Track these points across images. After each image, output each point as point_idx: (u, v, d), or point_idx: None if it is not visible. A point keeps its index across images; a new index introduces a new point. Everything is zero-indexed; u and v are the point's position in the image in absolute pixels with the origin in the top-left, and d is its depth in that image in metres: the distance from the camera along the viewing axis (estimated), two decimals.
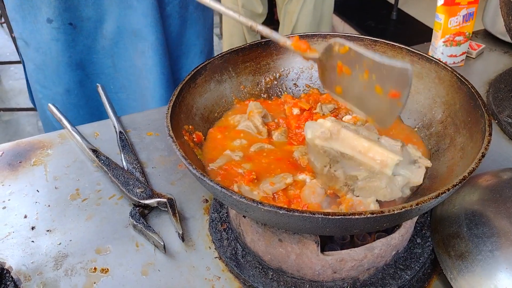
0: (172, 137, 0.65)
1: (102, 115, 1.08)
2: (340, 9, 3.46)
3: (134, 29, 1.17)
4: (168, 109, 0.71)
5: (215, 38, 3.72)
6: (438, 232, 0.74)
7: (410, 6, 3.57)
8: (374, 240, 0.69)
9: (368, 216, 0.52)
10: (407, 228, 0.70)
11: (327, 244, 0.71)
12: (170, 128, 0.67)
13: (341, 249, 0.71)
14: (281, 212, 0.53)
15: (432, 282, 0.72)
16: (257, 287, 0.70)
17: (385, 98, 0.61)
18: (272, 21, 3.33)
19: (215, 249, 0.77)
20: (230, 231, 0.78)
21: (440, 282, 0.72)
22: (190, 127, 0.77)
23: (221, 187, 0.57)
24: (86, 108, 1.27)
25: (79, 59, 1.19)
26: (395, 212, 0.53)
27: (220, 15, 3.52)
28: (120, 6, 1.14)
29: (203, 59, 1.37)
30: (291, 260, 0.68)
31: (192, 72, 0.79)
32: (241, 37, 2.82)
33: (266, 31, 0.71)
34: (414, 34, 3.20)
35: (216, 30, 3.79)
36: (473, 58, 1.26)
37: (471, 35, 1.19)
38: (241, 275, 0.72)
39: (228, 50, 0.85)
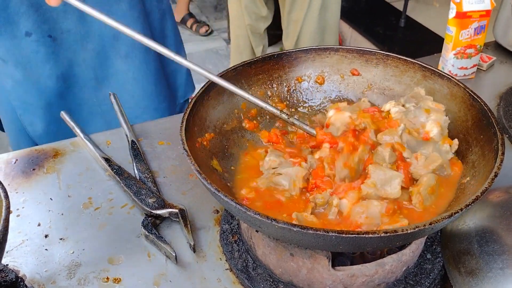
0: (186, 151, 0.66)
1: (86, 129, 1.06)
2: (348, 16, 3.46)
3: (114, 32, 1.15)
4: (183, 122, 0.72)
5: (223, 43, 3.73)
6: (448, 248, 0.74)
7: (419, 13, 3.57)
8: (384, 255, 0.70)
9: (382, 235, 0.53)
10: (418, 244, 0.71)
11: (337, 257, 0.72)
12: (185, 141, 0.67)
13: (351, 262, 0.72)
14: (295, 229, 0.54)
15: None
16: None
17: None
18: (279, 25, 3.33)
19: (226, 260, 0.78)
20: (241, 243, 0.79)
21: None
22: (204, 139, 0.77)
23: (236, 202, 0.58)
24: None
25: (60, 72, 1.17)
26: (409, 231, 0.53)
27: (228, 20, 3.54)
28: (101, 9, 1.14)
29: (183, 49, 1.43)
30: (302, 275, 0.69)
31: (206, 85, 0.80)
32: (246, 39, 2.83)
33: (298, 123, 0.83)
34: (422, 42, 3.20)
35: (224, 35, 3.81)
36: (484, 70, 1.26)
37: (482, 47, 1.20)
38: None
39: (241, 63, 0.86)
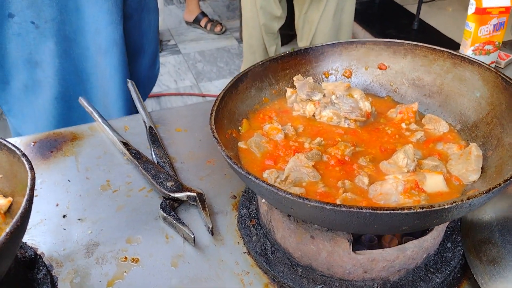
0: (216, 138, 0.67)
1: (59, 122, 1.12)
2: (361, 18, 3.46)
3: (97, 27, 1.15)
4: (212, 113, 0.72)
5: (235, 42, 3.75)
6: (469, 238, 0.73)
7: (432, 16, 3.56)
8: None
9: (418, 210, 0.52)
10: (439, 231, 0.70)
11: (355, 246, 0.71)
12: (215, 130, 0.68)
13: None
14: (328, 207, 0.53)
15: (462, 287, 0.72)
16: (286, 283, 0.71)
17: None
18: (291, 26, 3.34)
19: (244, 244, 0.78)
20: (260, 227, 0.79)
21: (470, 287, 0.72)
22: (234, 131, 0.78)
23: (267, 184, 0.58)
24: (46, 106, 1.23)
25: (40, 59, 1.17)
26: (446, 206, 0.52)
27: (240, 20, 3.55)
28: (87, 4, 1.13)
29: (150, 59, 1.43)
30: (322, 258, 0.69)
31: (234, 79, 0.80)
32: (260, 39, 2.83)
33: None
34: (435, 45, 3.18)
35: (236, 34, 3.82)
36: (502, 68, 1.26)
37: (500, 44, 1.19)
38: (270, 271, 0.72)
39: (268, 58, 0.86)
